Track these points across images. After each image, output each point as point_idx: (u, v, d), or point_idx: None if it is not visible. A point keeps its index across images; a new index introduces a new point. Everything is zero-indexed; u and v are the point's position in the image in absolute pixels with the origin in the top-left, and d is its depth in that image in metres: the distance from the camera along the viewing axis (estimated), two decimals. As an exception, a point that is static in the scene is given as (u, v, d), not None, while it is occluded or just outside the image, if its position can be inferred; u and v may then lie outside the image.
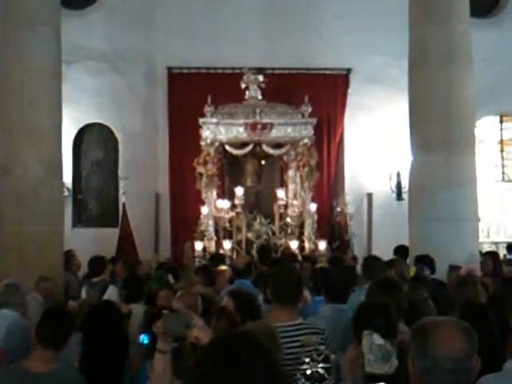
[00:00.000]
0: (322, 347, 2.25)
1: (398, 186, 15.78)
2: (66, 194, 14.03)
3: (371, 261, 8.04)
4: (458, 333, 2.67)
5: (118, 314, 5.26)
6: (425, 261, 9.32)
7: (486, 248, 14.11)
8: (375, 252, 12.90)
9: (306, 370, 2.16)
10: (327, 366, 2.12)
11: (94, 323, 5.08)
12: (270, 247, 12.68)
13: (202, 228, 13.56)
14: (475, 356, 2.66)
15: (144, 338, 4.25)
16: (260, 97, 14.09)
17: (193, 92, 14.97)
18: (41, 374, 4.48)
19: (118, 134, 15.75)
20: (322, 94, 15.34)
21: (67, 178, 14.02)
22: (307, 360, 2.15)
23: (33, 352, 4.70)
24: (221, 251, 12.80)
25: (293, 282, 4.99)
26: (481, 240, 12.57)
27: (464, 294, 6.52)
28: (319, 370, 2.09)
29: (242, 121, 13.69)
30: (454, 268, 9.12)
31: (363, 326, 3.81)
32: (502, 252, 14.56)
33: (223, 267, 9.28)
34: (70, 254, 11.33)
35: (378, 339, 3.41)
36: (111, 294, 8.30)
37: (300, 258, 12.28)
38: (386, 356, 3.32)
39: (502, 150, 17.09)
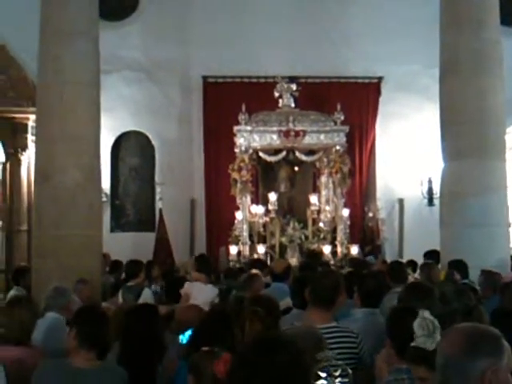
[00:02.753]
0: (340, 362, 2.31)
1: (430, 191, 15.80)
2: (105, 199, 14.23)
3: (396, 265, 8.15)
4: (459, 332, 2.62)
5: (155, 317, 5.14)
6: (457, 265, 9.27)
7: (517, 253, 14.04)
8: (406, 257, 13.01)
9: (322, 384, 2.24)
10: (345, 381, 2.19)
11: (132, 324, 5.01)
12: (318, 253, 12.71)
13: (237, 233, 13.76)
14: (481, 359, 2.52)
15: (182, 338, 4.35)
16: (293, 105, 14.28)
17: (227, 100, 15.17)
18: (86, 369, 4.46)
19: (154, 142, 15.99)
20: (353, 102, 15.47)
21: (105, 184, 14.25)
22: (324, 375, 2.22)
23: (74, 353, 4.58)
24: (255, 255, 13.00)
25: (329, 286, 5.06)
26: (512, 245, 12.56)
27: (508, 299, 6.57)
28: (338, 385, 2.17)
29: (275, 128, 13.88)
30: (484, 273, 9.08)
31: (397, 330, 3.99)
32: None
33: (254, 270, 9.33)
34: (118, 262, 11.54)
35: (428, 315, 3.59)
36: (146, 297, 8.35)
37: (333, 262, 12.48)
38: (432, 331, 3.49)
39: (532, 157, 17.02)
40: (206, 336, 4.34)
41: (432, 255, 10.60)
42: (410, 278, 8.74)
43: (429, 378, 3.21)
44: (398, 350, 3.96)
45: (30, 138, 13.83)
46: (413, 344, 3.56)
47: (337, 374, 2.14)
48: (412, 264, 11.20)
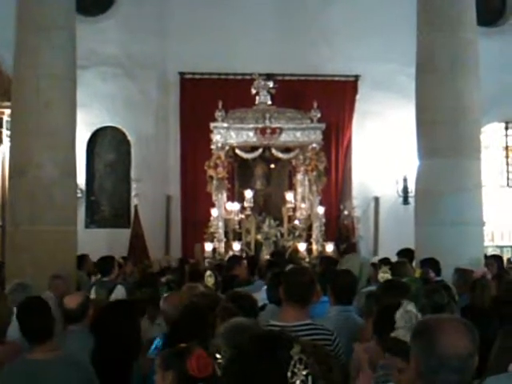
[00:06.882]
0: (302, 355, 2.35)
1: (405, 190, 15.90)
2: (80, 195, 14.19)
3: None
4: (463, 331, 2.61)
5: (131, 313, 5.07)
6: (430, 264, 9.32)
7: (491, 252, 14.12)
8: (382, 255, 13.05)
9: (295, 381, 2.25)
10: (308, 371, 2.24)
11: (107, 322, 4.94)
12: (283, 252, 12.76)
13: (212, 230, 13.72)
14: (476, 354, 2.61)
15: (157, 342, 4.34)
16: (270, 102, 14.28)
17: (204, 97, 15.16)
18: (46, 360, 4.41)
19: (130, 138, 15.96)
20: (330, 100, 15.50)
21: (81, 179, 14.20)
22: (296, 370, 2.26)
23: (32, 348, 4.56)
24: (230, 252, 13.00)
25: (303, 283, 4.99)
26: (485, 244, 12.56)
27: (477, 295, 6.67)
28: (303, 378, 2.21)
29: (252, 125, 13.88)
30: (459, 271, 9.13)
31: (387, 326, 3.99)
32: (507, 256, 14.65)
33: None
34: (84, 257, 11.46)
35: (412, 308, 3.59)
36: (118, 293, 8.28)
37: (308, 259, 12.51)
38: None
39: (507, 156, 17.26)
40: (180, 333, 4.32)
41: (406, 253, 10.62)
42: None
43: (404, 369, 3.22)
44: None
45: (5, 133, 13.73)
46: (392, 335, 3.56)
47: (302, 367, 2.16)
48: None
